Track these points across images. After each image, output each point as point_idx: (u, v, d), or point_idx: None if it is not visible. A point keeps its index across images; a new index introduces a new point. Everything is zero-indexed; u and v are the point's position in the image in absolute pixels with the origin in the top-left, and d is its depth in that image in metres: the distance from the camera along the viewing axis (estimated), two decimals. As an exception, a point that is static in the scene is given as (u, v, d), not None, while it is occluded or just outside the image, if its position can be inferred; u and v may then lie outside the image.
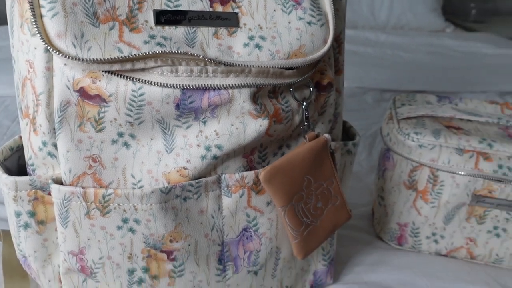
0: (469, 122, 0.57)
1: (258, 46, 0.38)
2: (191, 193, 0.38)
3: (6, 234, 0.51)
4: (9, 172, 0.41)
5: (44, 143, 0.37)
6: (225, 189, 0.40)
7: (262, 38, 0.38)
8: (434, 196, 0.54)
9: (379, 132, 0.75)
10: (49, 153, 0.37)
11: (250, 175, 0.40)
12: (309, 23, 0.39)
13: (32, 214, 0.39)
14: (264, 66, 0.37)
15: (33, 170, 0.39)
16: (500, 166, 0.51)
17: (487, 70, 1.33)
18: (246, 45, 0.37)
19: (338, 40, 0.45)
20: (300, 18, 0.39)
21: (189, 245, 0.40)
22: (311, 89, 0.41)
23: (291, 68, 0.38)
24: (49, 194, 0.38)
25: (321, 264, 0.49)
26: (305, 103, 0.40)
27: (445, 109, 0.59)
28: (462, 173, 0.52)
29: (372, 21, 1.79)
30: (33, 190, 0.38)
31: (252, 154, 0.40)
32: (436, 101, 0.62)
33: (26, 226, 0.39)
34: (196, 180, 0.38)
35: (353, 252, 0.57)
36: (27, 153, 0.39)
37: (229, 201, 0.40)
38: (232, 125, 0.38)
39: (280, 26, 0.39)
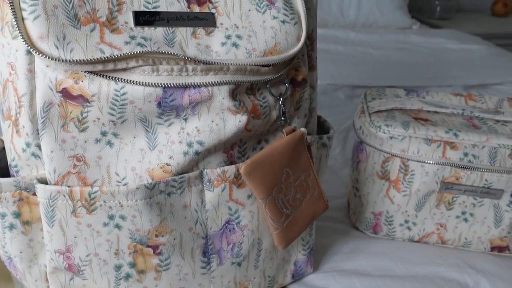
0: (436, 113, 0.60)
1: (235, 45, 0.39)
2: (174, 188, 0.40)
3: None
4: (-9, 175, 0.42)
5: (28, 144, 0.38)
6: (207, 183, 0.41)
7: (239, 37, 0.40)
8: (406, 185, 0.56)
9: (352, 127, 0.78)
10: (33, 154, 0.38)
11: (231, 169, 0.42)
12: (283, 22, 0.41)
13: (17, 215, 0.39)
14: (242, 64, 0.38)
15: (17, 172, 0.39)
16: (466, 154, 0.54)
17: (452, 65, 1.39)
18: (223, 44, 0.39)
19: (311, 38, 0.47)
20: (274, 17, 0.41)
21: (174, 239, 0.41)
22: (286, 85, 0.42)
23: (267, 65, 0.40)
24: (34, 194, 0.39)
25: (301, 254, 0.51)
26: (281, 99, 0.42)
27: (413, 102, 0.61)
28: (431, 161, 0.55)
29: (341, 20, 1.82)
30: (18, 191, 0.39)
31: (232, 149, 0.42)
32: (404, 95, 0.65)
33: (12, 227, 0.40)
34: (179, 176, 0.39)
35: (331, 242, 0.60)
36: (10, 155, 0.39)
37: (211, 195, 0.42)
38: (212, 121, 0.39)
39: (255, 25, 0.40)
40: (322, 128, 0.53)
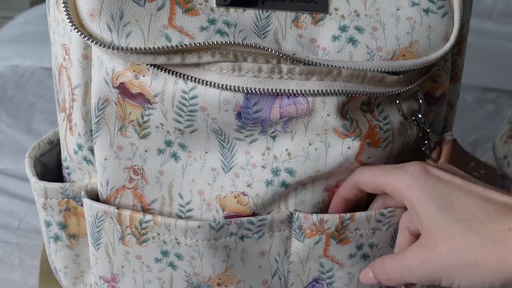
0: None
1: (352, 40, 0.28)
2: (250, 231, 0.30)
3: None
4: (46, 168, 0.36)
5: (80, 146, 0.31)
6: (297, 231, 0.31)
7: (359, 29, 0.28)
8: None
9: (492, 149, 0.62)
10: (85, 158, 0.31)
11: (332, 219, 0.31)
12: (426, 11, 0.29)
13: (63, 226, 0.33)
14: (360, 69, 0.27)
15: (69, 174, 0.33)
16: None
17: None
18: (335, 38, 0.28)
19: (460, 36, 0.33)
20: (414, 4, 0.29)
21: None
22: (420, 101, 0.30)
23: (395, 73, 0.28)
24: (83, 205, 0.32)
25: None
26: (419, 115, 0.30)
27: None
28: None
29: (475, 5, 1.57)
30: (65, 200, 0.32)
31: (337, 187, 0.31)
32: None
33: (57, 238, 0.33)
34: (259, 218, 0.30)
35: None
36: (63, 154, 0.33)
37: (300, 246, 0.31)
38: (310, 144, 0.29)
39: (385, 14, 0.29)
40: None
